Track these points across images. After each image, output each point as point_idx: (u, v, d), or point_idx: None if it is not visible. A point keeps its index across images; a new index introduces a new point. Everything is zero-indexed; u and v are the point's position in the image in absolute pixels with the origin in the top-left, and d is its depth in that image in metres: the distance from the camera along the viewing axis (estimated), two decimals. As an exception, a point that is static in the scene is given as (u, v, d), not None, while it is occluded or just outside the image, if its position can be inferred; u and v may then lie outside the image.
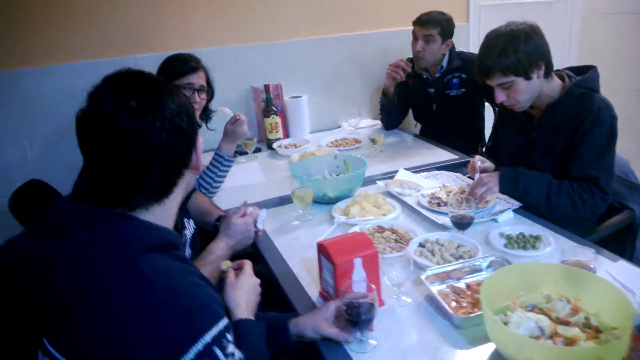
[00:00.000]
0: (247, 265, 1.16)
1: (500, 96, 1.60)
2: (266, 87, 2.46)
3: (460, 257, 1.33)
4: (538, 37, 1.53)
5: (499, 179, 1.59)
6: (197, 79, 1.81)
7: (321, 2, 2.66)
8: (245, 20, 2.53)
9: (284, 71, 2.68)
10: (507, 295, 1.06)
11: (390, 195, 1.80)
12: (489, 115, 2.64)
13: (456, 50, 2.48)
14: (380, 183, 1.90)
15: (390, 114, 2.67)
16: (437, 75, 2.50)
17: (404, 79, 2.47)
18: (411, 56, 2.64)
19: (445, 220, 1.53)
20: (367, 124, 2.82)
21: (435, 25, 2.35)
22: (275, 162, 2.35)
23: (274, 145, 2.48)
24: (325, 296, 1.21)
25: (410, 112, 2.76)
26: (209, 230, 1.54)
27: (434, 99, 2.53)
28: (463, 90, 2.47)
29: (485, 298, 0.98)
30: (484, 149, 2.68)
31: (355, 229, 1.53)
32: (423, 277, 1.21)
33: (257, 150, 2.49)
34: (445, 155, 2.31)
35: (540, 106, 1.64)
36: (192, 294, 0.72)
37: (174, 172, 0.83)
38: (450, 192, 1.77)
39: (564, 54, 3.38)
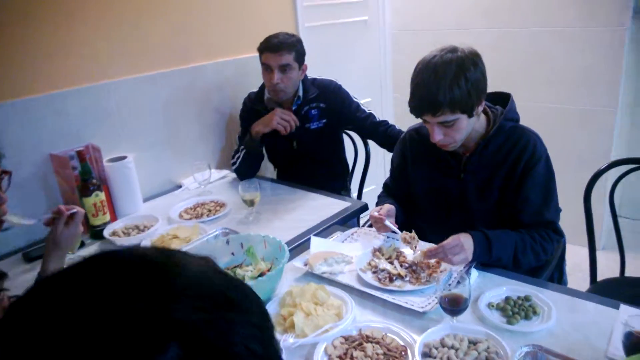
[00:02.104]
0: None
1: (438, 135, 1.39)
2: (80, 154, 1.74)
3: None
4: (482, 64, 1.36)
5: (472, 247, 1.35)
6: None
7: (135, 32, 2.05)
8: (24, 62, 1.75)
9: (96, 126, 1.98)
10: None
11: (316, 278, 1.40)
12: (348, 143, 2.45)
13: (308, 77, 2.20)
14: (297, 264, 1.48)
15: (255, 161, 2.24)
16: (293, 108, 2.18)
17: (286, 132, 2.10)
18: (255, 89, 2.28)
19: (410, 301, 1.25)
20: (216, 176, 2.32)
21: (289, 50, 2.03)
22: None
23: (106, 234, 1.77)
24: None
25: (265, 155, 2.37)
26: None
27: (294, 136, 2.20)
28: (324, 121, 2.22)
29: None
30: (350, 184, 2.49)
31: (319, 352, 1.09)
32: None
33: (81, 245, 1.75)
34: (328, 201, 2.01)
35: (467, 143, 1.48)
36: None
37: None
38: (390, 257, 1.46)
39: (380, 70, 3.48)
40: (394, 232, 1.49)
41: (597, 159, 2.27)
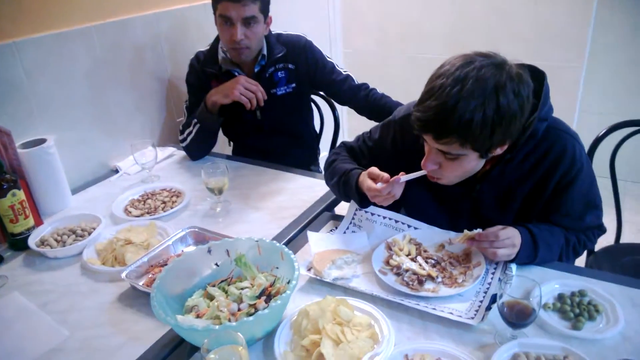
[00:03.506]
0: None
1: (431, 164, 1.13)
2: (-15, 143, 1.32)
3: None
4: (526, 92, 1.05)
5: (520, 246, 1.15)
6: None
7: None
8: None
9: (0, 102, 1.54)
10: None
11: (327, 286, 1.16)
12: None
13: (272, 31, 1.87)
14: (300, 271, 1.21)
15: (210, 137, 1.90)
16: (256, 69, 1.85)
17: (251, 107, 1.77)
18: (199, 46, 1.91)
19: (453, 309, 1.06)
20: (160, 156, 1.94)
21: (256, 0, 1.67)
22: (46, 276, 1.30)
23: (31, 243, 1.39)
24: None
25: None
26: None
27: (257, 104, 1.88)
28: (293, 85, 1.91)
29: None
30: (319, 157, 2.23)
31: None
32: None
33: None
34: (308, 181, 1.74)
35: None
36: None
37: None
38: (409, 253, 1.25)
39: (330, 22, 3.19)
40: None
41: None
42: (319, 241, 1.31)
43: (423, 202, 1.38)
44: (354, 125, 3.21)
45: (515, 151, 1.17)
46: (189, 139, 1.89)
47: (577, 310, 1.04)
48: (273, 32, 1.87)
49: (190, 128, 1.87)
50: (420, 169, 1.19)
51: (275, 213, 1.55)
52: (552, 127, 1.18)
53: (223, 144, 2.19)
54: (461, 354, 0.94)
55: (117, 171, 1.88)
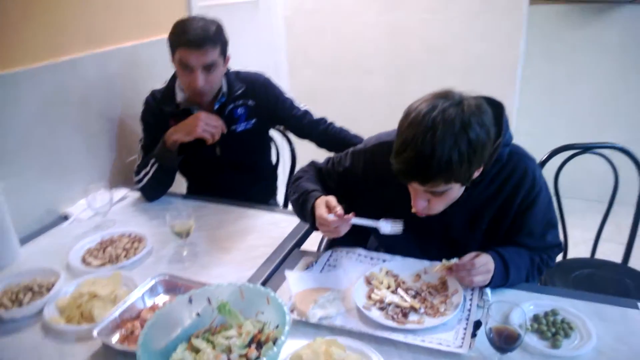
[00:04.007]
0: None
1: (421, 204, 1.19)
2: None
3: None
4: (489, 118, 1.12)
5: (493, 271, 1.21)
6: None
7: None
8: None
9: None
10: None
11: (311, 327, 1.16)
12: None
13: (229, 69, 1.88)
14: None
15: (169, 177, 1.86)
16: (216, 107, 1.84)
17: (213, 141, 1.76)
18: (147, 83, 1.89)
19: (441, 339, 1.10)
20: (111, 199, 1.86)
21: (214, 44, 1.67)
22: (4, 342, 1.19)
23: (-19, 305, 1.28)
24: None
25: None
26: None
27: (217, 141, 1.86)
28: (253, 121, 1.92)
29: None
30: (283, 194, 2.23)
31: None
32: None
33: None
34: (275, 217, 1.74)
35: None
36: None
37: None
38: (389, 286, 1.27)
39: (273, 51, 3.24)
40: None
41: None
42: (298, 281, 1.30)
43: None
44: (308, 158, 3.26)
45: (483, 175, 1.24)
46: (145, 179, 1.83)
47: (553, 329, 1.11)
48: (231, 70, 1.87)
49: (148, 168, 1.81)
50: (391, 198, 1.29)
51: (245, 253, 1.53)
52: (513, 152, 1.28)
53: (176, 182, 2.13)
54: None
55: (67, 217, 1.78)
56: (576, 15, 3.12)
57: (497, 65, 2.81)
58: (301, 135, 2.00)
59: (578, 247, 1.97)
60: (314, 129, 1.94)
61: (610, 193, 1.85)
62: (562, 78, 3.29)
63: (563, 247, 1.44)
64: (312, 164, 1.58)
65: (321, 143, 1.98)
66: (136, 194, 1.93)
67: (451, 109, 1.08)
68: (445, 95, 1.12)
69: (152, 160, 1.79)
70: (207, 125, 1.71)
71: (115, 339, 1.16)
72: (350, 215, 1.26)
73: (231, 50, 1.78)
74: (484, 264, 1.19)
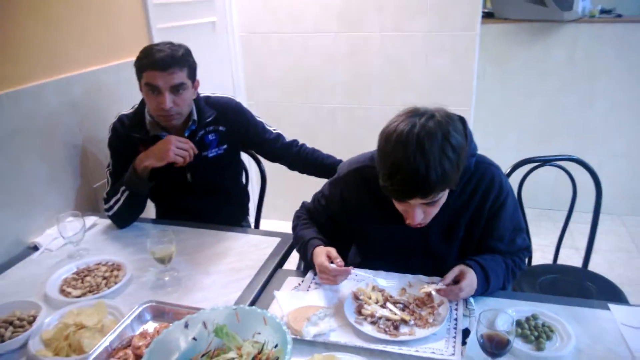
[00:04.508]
0: None
1: (419, 217, 1.26)
2: None
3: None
4: (460, 123, 1.24)
5: (476, 282, 1.30)
6: None
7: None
8: None
9: None
10: None
11: (305, 344, 1.19)
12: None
13: (199, 94, 1.89)
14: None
15: (140, 203, 1.84)
16: (186, 134, 1.85)
17: (185, 164, 1.76)
18: (110, 109, 1.89)
19: (434, 349, 1.16)
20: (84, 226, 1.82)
21: (181, 66, 1.70)
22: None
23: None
24: None
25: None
26: None
27: (188, 167, 1.87)
28: (225, 147, 1.94)
29: None
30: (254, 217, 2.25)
31: None
32: None
33: None
34: (254, 239, 1.77)
35: None
36: None
37: None
38: (378, 301, 1.33)
39: (231, 72, 3.27)
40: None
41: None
42: (288, 300, 1.33)
43: (377, 243, 1.50)
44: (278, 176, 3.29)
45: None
46: (116, 207, 1.81)
47: (535, 333, 1.20)
48: (201, 95, 1.89)
49: (118, 195, 1.80)
50: (371, 220, 1.42)
51: (229, 276, 1.54)
52: (479, 161, 1.39)
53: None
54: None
55: (36, 248, 1.73)
56: (525, 34, 3.36)
57: (455, 81, 2.96)
58: (273, 159, 2.04)
59: (535, 254, 2.10)
60: (287, 152, 1.99)
61: (564, 201, 2.00)
62: (514, 93, 3.51)
63: (531, 250, 1.54)
64: (303, 206, 1.66)
65: (294, 165, 2.03)
66: (106, 221, 1.90)
67: (430, 123, 1.15)
68: (415, 111, 1.20)
69: (123, 188, 1.78)
70: (178, 149, 1.72)
71: (108, 369, 1.14)
72: (351, 268, 1.37)
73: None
74: (469, 284, 1.28)
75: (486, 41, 3.34)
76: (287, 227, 1.72)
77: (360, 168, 1.46)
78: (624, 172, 3.49)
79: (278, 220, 2.84)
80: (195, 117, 1.83)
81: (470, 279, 1.29)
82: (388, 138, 1.19)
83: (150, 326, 1.29)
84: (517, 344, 1.16)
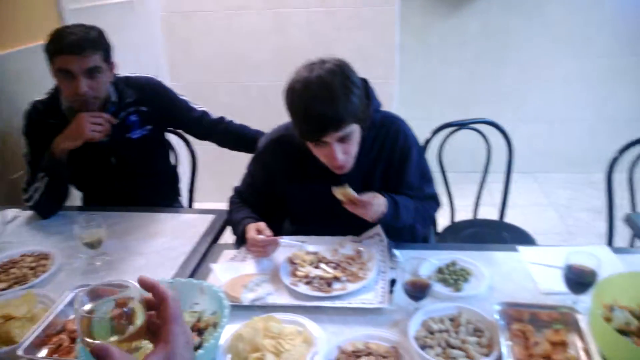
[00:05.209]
0: None
1: (340, 154, 1.34)
2: None
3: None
4: (355, 73, 1.37)
5: (386, 206, 1.41)
6: None
7: None
8: None
9: None
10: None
11: (244, 310, 1.25)
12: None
13: (117, 75, 1.86)
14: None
15: (62, 189, 1.80)
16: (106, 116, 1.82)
17: (102, 138, 1.72)
18: (16, 96, 1.83)
19: (365, 300, 1.26)
20: (4, 219, 1.76)
21: (95, 48, 1.65)
22: None
23: None
24: None
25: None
26: None
27: (111, 150, 1.85)
28: (149, 127, 1.92)
29: None
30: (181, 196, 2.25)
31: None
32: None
33: None
34: (186, 218, 1.79)
35: None
36: None
37: None
38: (312, 262, 1.40)
39: (153, 53, 3.20)
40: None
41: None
42: (224, 271, 1.38)
43: (305, 205, 1.59)
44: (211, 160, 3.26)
45: (363, 140, 1.43)
46: (36, 195, 1.76)
47: (454, 276, 1.32)
48: (120, 75, 1.86)
49: (38, 183, 1.74)
50: (302, 180, 1.49)
51: (163, 255, 1.56)
52: (384, 116, 1.53)
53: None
54: (383, 333, 1.13)
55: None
56: (443, 7, 3.54)
57: (378, 55, 3.06)
58: (201, 136, 2.05)
59: (459, 214, 2.26)
60: (214, 129, 2.00)
61: (484, 164, 2.16)
62: (436, 64, 3.69)
63: (440, 201, 1.66)
64: (234, 190, 1.70)
65: (223, 142, 2.05)
66: (28, 213, 1.84)
67: (327, 65, 1.30)
68: (310, 62, 1.33)
69: (41, 174, 1.73)
70: (93, 125, 1.69)
71: (42, 354, 1.14)
72: (278, 237, 1.44)
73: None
74: (378, 203, 1.39)
75: (406, 15, 3.46)
76: (221, 207, 1.75)
77: (278, 138, 1.56)
78: (535, 133, 3.78)
79: (215, 202, 2.84)
80: (113, 98, 1.81)
81: (380, 200, 1.39)
82: (292, 88, 1.32)
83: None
84: (439, 288, 1.28)
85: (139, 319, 0.65)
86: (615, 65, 3.57)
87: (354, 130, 1.34)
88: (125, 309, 0.65)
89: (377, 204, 1.38)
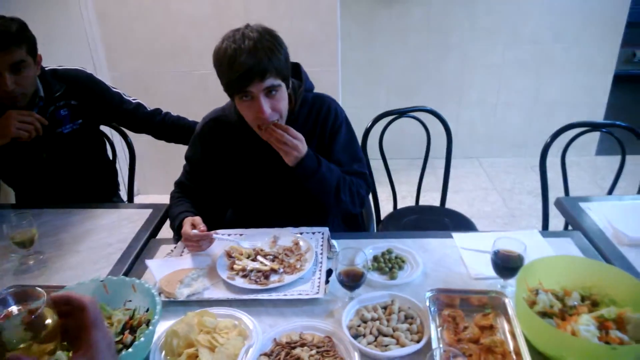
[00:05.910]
0: None
1: (267, 107, 1.36)
2: None
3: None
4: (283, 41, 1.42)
5: (306, 151, 1.44)
6: None
7: None
8: None
9: None
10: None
11: (180, 305, 1.25)
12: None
13: (45, 68, 1.79)
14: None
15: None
16: (35, 111, 1.75)
17: (31, 137, 1.66)
18: None
19: (301, 291, 1.29)
20: None
21: (18, 42, 1.59)
22: None
23: None
24: None
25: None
26: None
27: (42, 145, 1.79)
28: (80, 121, 1.87)
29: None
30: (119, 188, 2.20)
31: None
32: None
33: None
34: (122, 214, 1.76)
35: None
36: None
37: None
38: (249, 255, 1.41)
39: (88, 44, 3.09)
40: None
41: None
42: (160, 267, 1.37)
43: (243, 186, 1.61)
44: (151, 152, 3.17)
45: (296, 116, 1.50)
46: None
47: (389, 265, 1.36)
48: (47, 68, 1.79)
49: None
50: (240, 157, 1.54)
51: (98, 252, 1.53)
52: (316, 95, 1.59)
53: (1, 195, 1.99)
54: (317, 324, 1.16)
55: None
56: (385, -4, 3.57)
57: (320, 42, 3.07)
58: (137, 129, 2.01)
59: (405, 200, 2.33)
60: (150, 121, 1.96)
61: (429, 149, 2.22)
62: (379, 52, 3.73)
63: (370, 181, 1.69)
64: (175, 183, 1.69)
65: (160, 134, 2.01)
66: (-49, 214, 1.76)
67: (250, 26, 1.37)
68: (235, 30, 1.37)
69: None
70: (21, 124, 1.64)
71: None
72: (212, 232, 1.43)
73: (40, 48, 1.70)
74: (300, 141, 1.41)
75: (349, 3, 3.49)
76: (165, 200, 1.73)
77: (214, 118, 1.60)
78: (479, 119, 3.91)
79: (158, 194, 2.79)
80: (41, 93, 1.74)
81: (301, 138, 1.42)
82: (218, 49, 1.36)
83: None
84: (374, 276, 1.32)
85: (50, 319, 0.68)
86: (545, 52, 3.72)
87: (281, 86, 1.37)
88: (33, 316, 0.65)
89: (301, 144, 1.41)
